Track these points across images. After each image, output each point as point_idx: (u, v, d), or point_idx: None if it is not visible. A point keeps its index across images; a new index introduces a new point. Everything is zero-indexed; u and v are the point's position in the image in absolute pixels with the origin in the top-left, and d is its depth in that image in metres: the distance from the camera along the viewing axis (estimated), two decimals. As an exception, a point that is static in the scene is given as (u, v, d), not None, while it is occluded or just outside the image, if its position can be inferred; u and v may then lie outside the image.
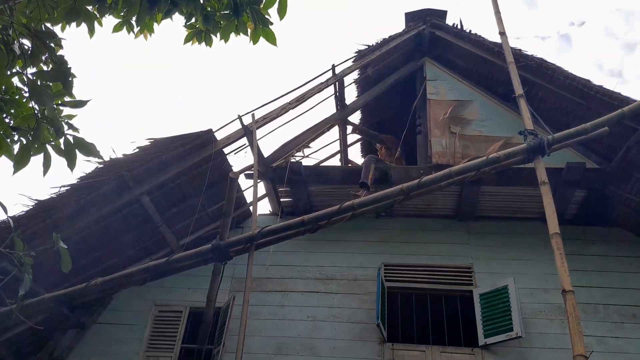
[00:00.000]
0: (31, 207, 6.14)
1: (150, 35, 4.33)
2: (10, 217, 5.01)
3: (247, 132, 6.98)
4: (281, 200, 7.61)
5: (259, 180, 7.04)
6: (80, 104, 2.84)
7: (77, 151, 2.62)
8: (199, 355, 6.64)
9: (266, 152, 7.33)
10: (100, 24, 3.86)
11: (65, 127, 2.67)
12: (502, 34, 7.18)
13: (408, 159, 8.17)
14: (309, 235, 5.90)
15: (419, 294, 6.90)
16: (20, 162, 2.68)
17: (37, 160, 2.95)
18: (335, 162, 9.36)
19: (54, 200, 6.24)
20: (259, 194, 7.62)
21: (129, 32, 4.28)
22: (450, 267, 6.96)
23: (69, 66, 2.75)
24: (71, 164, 2.64)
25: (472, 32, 7.79)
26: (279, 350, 6.42)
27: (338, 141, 9.10)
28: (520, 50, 7.25)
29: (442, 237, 7.29)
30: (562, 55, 21.80)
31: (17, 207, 6.15)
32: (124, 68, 22.39)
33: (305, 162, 7.47)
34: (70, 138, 2.62)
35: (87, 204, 6.34)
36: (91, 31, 3.65)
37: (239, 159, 7.94)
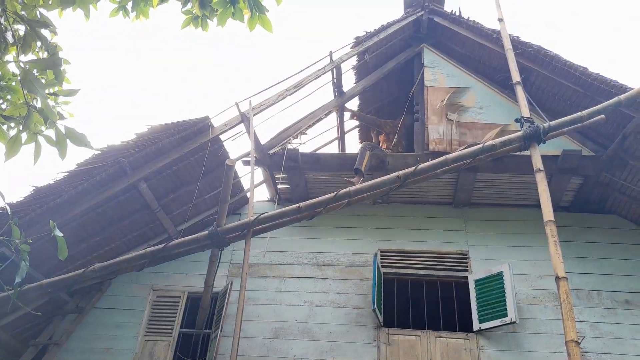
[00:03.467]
0: (29, 193, 6.15)
1: (147, 19, 4.32)
2: (7, 203, 5.02)
3: (244, 118, 6.97)
4: (278, 187, 7.63)
5: (256, 167, 7.06)
6: (72, 92, 2.84)
7: (68, 141, 2.63)
8: (197, 339, 6.72)
9: (263, 139, 7.34)
10: (96, 8, 3.85)
11: (58, 116, 2.67)
12: (501, 20, 7.17)
13: (407, 145, 8.17)
14: (305, 222, 5.94)
15: (414, 280, 6.96)
16: (11, 150, 2.71)
17: (32, 148, 2.97)
18: (333, 149, 9.37)
19: (52, 186, 6.25)
20: (256, 181, 7.65)
21: (125, 17, 4.28)
22: (446, 253, 7.01)
23: (60, 55, 2.74)
24: (62, 154, 2.66)
25: (471, 18, 7.74)
26: (276, 335, 6.49)
27: (335, 128, 9.09)
28: (518, 37, 7.22)
29: (438, 224, 7.33)
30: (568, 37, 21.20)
31: (15, 193, 6.16)
32: (122, 54, 22.23)
33: (303, 149, 7.46)
34: (62, 128, 2.62)
35: (84, 190, 6.35)
36: (87, 16, 3.64)
37: (236, 145, 7.96)
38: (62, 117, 2.67)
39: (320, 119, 7.95)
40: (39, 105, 2.63)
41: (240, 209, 7.84)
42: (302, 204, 5.57)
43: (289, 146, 7.37)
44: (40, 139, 2.68)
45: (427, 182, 6.46)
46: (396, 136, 7.95)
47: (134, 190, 6.78)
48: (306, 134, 7.72)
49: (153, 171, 6.77)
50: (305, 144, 7.69)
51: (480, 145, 5.41)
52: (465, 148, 5.97)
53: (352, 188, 5.56)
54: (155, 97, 22.66)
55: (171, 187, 7.14)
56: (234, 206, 7.65)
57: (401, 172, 5.41)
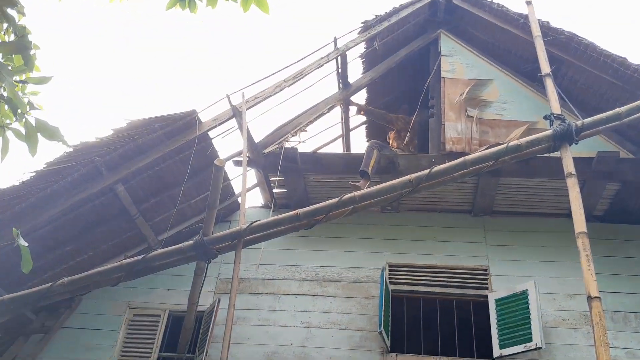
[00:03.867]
0: (-10, 195, 6.19)
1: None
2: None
3: (236, 113, 7.00)
4: (274, 191, 7.66)
5: (248, 168, 7.09)
6: (43, 80, 2.87)
7: (39, 135, 2.65)
8: (179, 364, 6.73)
9: (257, 137, 7.38)
10: (70, -12, 3.89)
11: (27, 106, 2.70)
12: (529, 3, 7.21)
13: (420, 145, 8.20)
14: (304, 232, 5.95)
15: (427, 299, 6.97)
16: (-24, 146, 2.73)
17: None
18: (337, 148, 9.40)
19: (16, 188, 6.28)
20: (249, 184, 7.67)
21: (111, 1, 4.32)
22: (463, 268, 7.02)
23: (30, 39, 2.77)
24: (32, 150, 2.68)
25: (495, 1, 7.78)
26: (269, 360, 6.50)
27: (340, 124, 9.12)
28: (548, 22, 7.25)
29: (455, 235, 7.34)
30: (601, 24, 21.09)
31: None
32: (111, 42, 22.36)
33: (302, 148, 7.50)
34: (32, 120, 2.64)
35: (54, 193, 6.38)
36: (59, -7, 3.68)
37: (227, 143, 7.99)
38: (32, 108, 2.70)
39: (322, 114, 7.98)
40: (5, 94, 2.65)
41: (231, 216, 7.88)
42: (300, 210, 5.59)
43: (287, 145, 7.39)
44: (8, 133, 2.70)
45: (443, 187, 6.48)
46: (408, 134, 7.97)
47: (110, 194, 6.81)
48: (306, 131, 7.76)
49: (132, 172, 6.81)
50: (305, 143, 7.74)
51: (504, 146, 5.43)
52: (486, 148, 5.99)
53: (358, 193, 5.58)
54: (146, 87, 22.82)
55: (152, 190, 7.17)
56: (223, 212, 7.67)
57: (413, 176, 5.43)
